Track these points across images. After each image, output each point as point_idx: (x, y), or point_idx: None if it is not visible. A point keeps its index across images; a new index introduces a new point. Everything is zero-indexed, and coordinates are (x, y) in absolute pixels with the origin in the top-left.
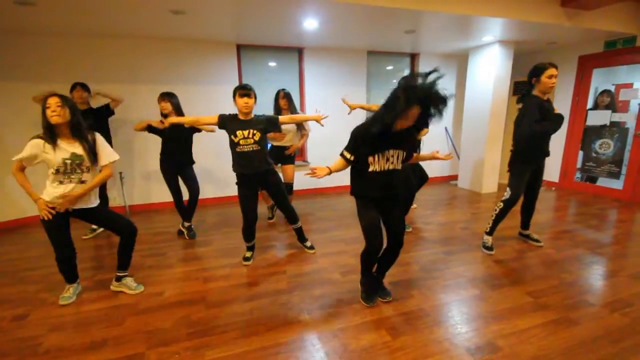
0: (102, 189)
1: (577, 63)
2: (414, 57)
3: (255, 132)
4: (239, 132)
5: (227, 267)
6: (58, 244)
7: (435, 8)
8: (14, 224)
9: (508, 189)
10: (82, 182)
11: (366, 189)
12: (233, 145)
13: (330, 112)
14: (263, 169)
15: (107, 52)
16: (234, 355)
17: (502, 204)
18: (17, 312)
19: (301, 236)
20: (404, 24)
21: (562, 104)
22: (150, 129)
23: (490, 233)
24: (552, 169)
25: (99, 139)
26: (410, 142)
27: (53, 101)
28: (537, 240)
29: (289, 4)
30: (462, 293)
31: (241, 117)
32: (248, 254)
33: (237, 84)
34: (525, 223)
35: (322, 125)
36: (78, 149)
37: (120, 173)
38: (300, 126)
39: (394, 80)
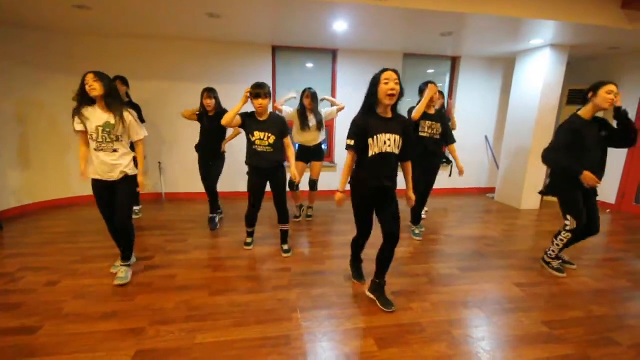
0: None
1: None
2: (454, 61)
3: (270, 135)
4: (256, 133)
5: (238, 259)
6: (103, 215)
7: (472, 10)
8: (65, 201)
9: (569, 217)
10: (115, 150)
11: (365, 177)
12: (249, 142)
13: None
14: (273, 166)
15: (150, 52)
16: (221, 342)
17: (569, 234)
18: (51, 279)
19: (284, 238)
20: (439, 26)
21: None
22: (200, 117)
23: (555, 258)
24: (608, 189)
25: (131, 115)
26: (405, 131)
27: (89, 78)
28: (570, 263)
29: (318, 6)
30: (467, 313)
31: (258, 117)
32: (249, 240)
33: (271, 83)
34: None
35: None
36: (111, 118)
37: (160, 163)
38: (320, 119)
39: (440, 84)
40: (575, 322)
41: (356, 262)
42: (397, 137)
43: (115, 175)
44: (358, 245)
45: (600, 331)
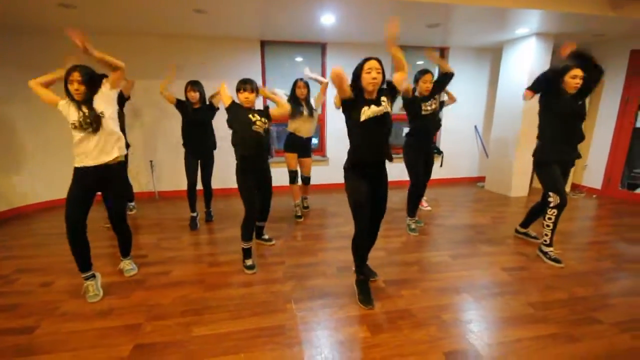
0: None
1: (628, 58)
2: (443, 52)
3: (265, 120)
4: (256, 115)
5: (232, 254)
6: (71, 217)
7: (458, 0)
8: (55, 203)
9: (550, 193)
10: (96, 130)
11: (360, 150)
12: (248, 125)
13: None
14: (263, 166)
15: (136, 50)
16: (218, 334)
17: (554, 210)
18: (46, 279)
19: (260, 232)
20: (425, 17)
21: (609, 104)
22: (179, 104)
23: (550, 244)
24: (594, 174)
25: (104, 88)
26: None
27: (75, 78)
28: (535, 237)
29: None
30: (457, 297)
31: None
32: (249, 262)
33: (260, 78)
34: (527, 223)
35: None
36: (86, 110)
37: (151, 161)
38: (311, 108)
39: None
40: (559, 303)
41: (361, 270)
42: (386, 103)
43: (105, 159)
44: (361, 245)
45: (583, 311)
